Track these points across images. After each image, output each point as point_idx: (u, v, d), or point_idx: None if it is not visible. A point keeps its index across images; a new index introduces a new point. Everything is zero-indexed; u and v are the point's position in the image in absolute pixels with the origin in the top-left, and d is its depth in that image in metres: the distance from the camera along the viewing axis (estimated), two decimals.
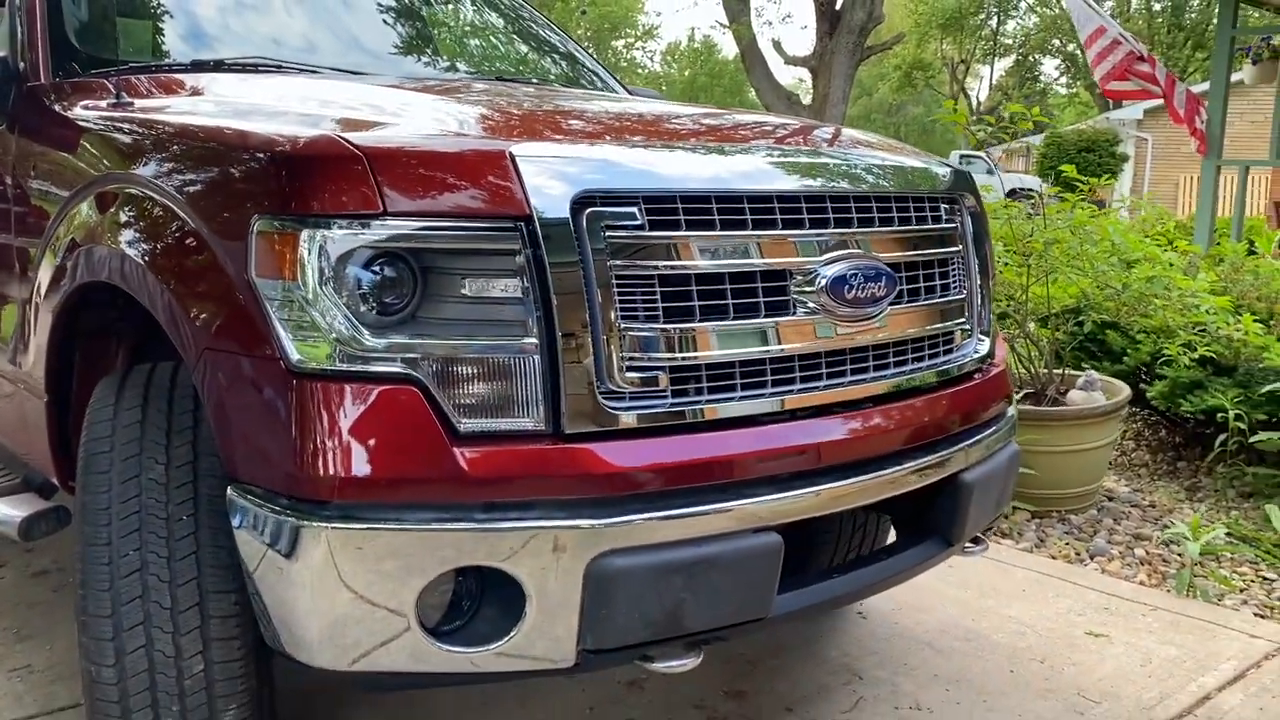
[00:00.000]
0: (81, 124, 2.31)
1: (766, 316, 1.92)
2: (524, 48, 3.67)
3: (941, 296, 2.29)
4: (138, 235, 1.98)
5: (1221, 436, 4.16)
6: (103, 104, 2.31)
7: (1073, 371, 4.32)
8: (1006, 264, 4.11)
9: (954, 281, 2.35)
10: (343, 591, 1.66)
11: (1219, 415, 4.12)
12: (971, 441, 2.25)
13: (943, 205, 2.35)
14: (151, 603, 1.84)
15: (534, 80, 3.27)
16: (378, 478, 1.66)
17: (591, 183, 1.76)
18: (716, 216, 1.88)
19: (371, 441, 1.66)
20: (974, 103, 51.58)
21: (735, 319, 1.88)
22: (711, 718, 2.52)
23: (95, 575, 1.85)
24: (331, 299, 1.66)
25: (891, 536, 2.57)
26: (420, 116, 2.05)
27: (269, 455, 1.70)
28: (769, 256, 1.92)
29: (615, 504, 1.72)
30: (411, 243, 1.67)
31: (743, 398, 1.89)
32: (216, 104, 2.22)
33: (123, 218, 2.03)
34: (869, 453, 2.02)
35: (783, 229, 1.95)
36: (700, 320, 1.84)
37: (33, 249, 2.38)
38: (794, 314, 1.95)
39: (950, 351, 2.33)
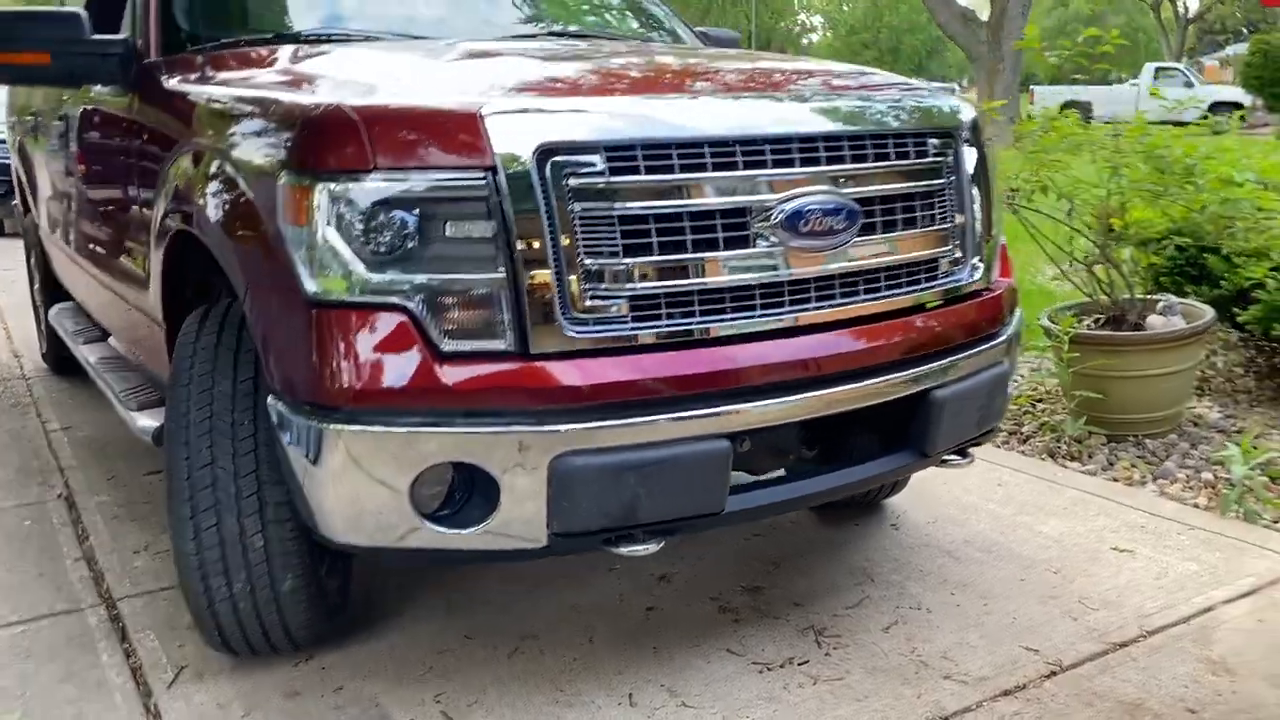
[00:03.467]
0: (179, 95, 2.75)
1: (724, 250, 2.16)
2: (600, 7, 3.94)
3: (921, 227, 2.46)
4: (206, 190, 2.39)
5: None
6: (194, 77, 2.74)
7: (1154, 297, 4.29)
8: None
9: (939, 212, 2.51)
10: (353, 481, 2.04)
11: None
12: (944, 362, 2.43)
13: (929, 140, 2.50)
14: (220, 490, 2.27)
15: (587, 34, 3.53)
16: (376, 389, 2.02)
17: (554, 136, 2.04)
18: (676, 162, 2.12)
19: (370, 360, 2.02)
20: (1181, 8, 47.88)
21: (693, 253, 2.13)
22: (724, 608, 2.81)
23: (176, 467, 2.30)
24: (335, 241, 2.02)
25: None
26: (426, 80, 2.35)
27: (295, 371, 2.09)
28: (726, 197, 2.16)
29: (574, 413, 2.03)
30: (397, 192, 2.00)
31: (699, 323, 2.14)
32: (275, 76, 2.59)
33: (198, 176, 2.45)
34: (824, 372, 2.24)
35: (742, 170, 2.18)
36: (659, 255, 2.10)
37: (152, 198, 2.84)
38: (751, 247, 2.18)
39: (933, 277, 2.50)
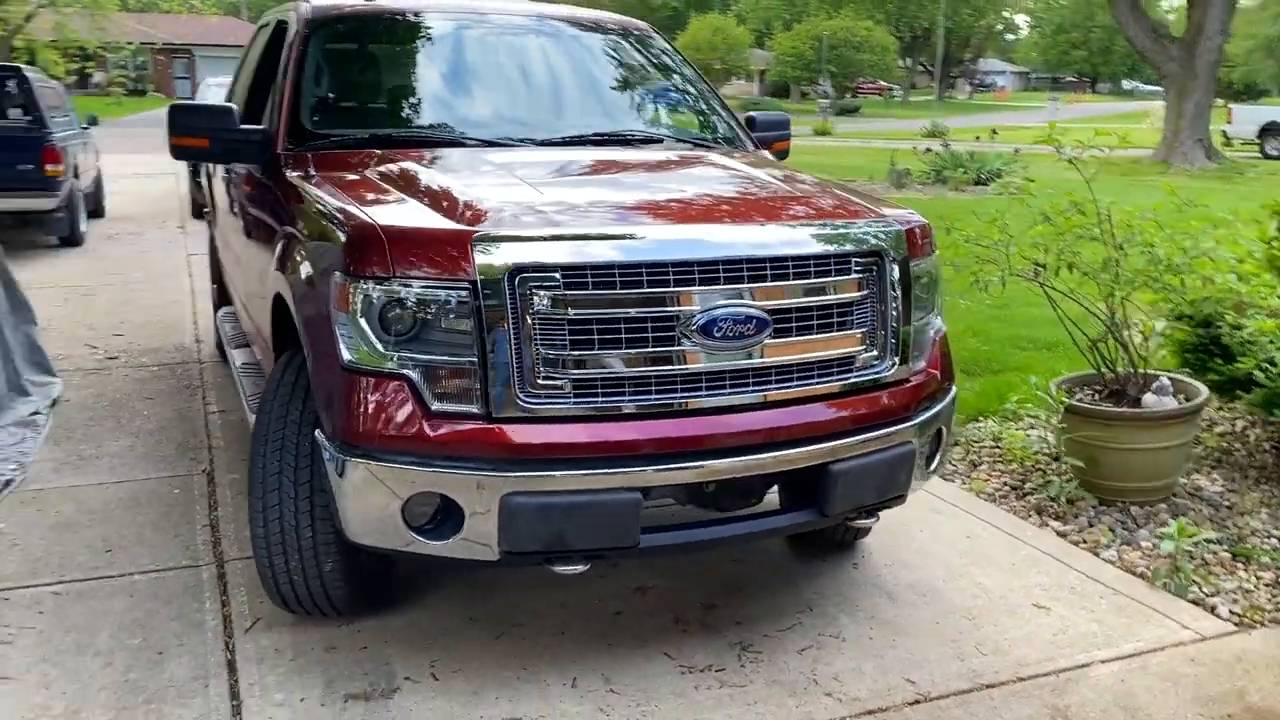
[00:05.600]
0: (291, 185, 3.59)
1: (652, 346, 2.82)
2: (651, 105, 4.62)
3: (833, 331, 3.04)
4: (297, 269, 3.22)
5: None
6: (301, 174, 3.59)
7: (1155, 372, 4.64)
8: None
9: (856, 319, 3.09)
10: (366, 497, 2.82)
11: None
12: (841, 442, 3.01)
13: (852, 261, 3.07)
14: (283, 493, 3.10)
15: (627, 137, 4.20)
16: (384, 434, 2.78)
17: (522, 259, 2.75)
18: (617, 279, 2.80)
19: (381, 413, 2.78)
20: None
21: (625, 349, 2.80)
22: (679, 619, 3.47)
23: (255, 473, 3.14)
24: (364, 325, 2.79)
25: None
26: (449, 197, 3.08)
27: (332, 414, 2.88)
28: (654, 307, 2.81)
29: (521, 463, 2.74)
30: (408, 294, 2.75)
31: (625, 401, 2.81)
32: (353, 181, 3.39)
33: (291, 256, 3.28)
34: (725, 445, 2.87)
35: (670, 287, 2.83)
36: (597, 349, 2.79)
37: (269, 259, 3.71)
38: (675, 345, 2.83)
39: (847, 371, 3.08)
